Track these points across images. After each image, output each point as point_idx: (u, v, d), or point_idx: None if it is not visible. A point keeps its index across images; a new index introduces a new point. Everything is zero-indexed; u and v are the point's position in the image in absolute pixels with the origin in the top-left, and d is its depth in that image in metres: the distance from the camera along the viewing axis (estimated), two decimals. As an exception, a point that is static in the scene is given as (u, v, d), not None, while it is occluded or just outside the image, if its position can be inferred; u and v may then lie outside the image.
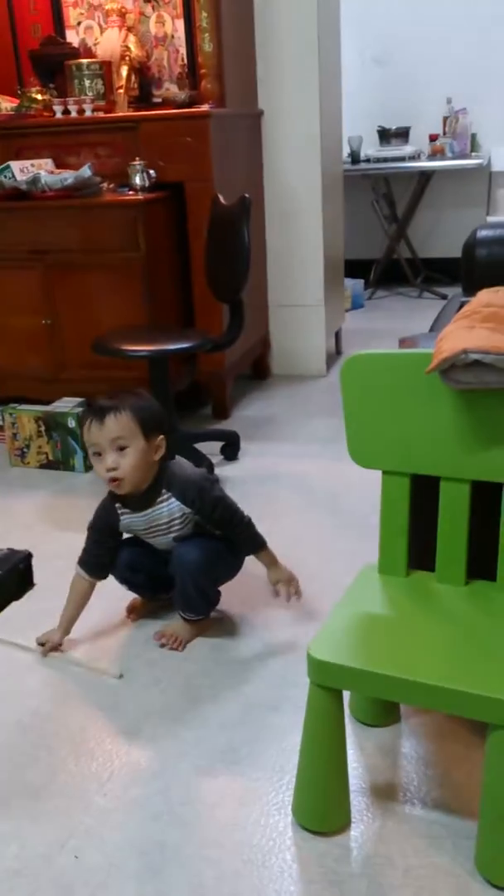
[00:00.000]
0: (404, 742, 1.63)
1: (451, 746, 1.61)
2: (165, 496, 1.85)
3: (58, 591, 2.02)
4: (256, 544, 1.93)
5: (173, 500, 1.85)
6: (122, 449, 1.76)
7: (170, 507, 1.85)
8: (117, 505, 1.88)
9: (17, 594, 0.87)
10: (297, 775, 1.45)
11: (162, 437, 1.82)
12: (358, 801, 1.49)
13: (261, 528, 2.49)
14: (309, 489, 2.76)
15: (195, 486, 1.85)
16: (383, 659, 1.32)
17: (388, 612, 1.47)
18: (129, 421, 1.76)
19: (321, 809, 1.43)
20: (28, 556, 0.86)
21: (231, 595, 2.14)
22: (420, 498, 1.50)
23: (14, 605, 2.07)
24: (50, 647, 1.92)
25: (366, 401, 1.46)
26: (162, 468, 1.85)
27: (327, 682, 1.34)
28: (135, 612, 2.08)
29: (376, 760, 1.58)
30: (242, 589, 2.18)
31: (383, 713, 1.66)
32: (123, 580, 2.01)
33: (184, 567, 1.87)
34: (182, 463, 1.92)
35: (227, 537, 1.92)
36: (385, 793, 1.51)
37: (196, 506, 1.85)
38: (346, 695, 1.52)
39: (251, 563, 2.31)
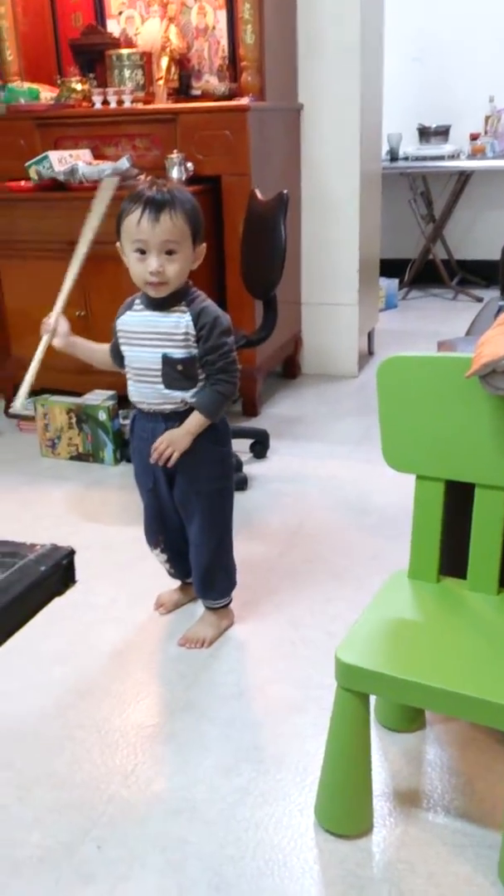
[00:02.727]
0: (429, 749, 1.62)
1: (475, 756, 1.60)
2: (182, 309, 1.74)
3: (85, 584, 2.02)
4: (207, 408, 1.78)
5: (188, 315, 1.73)
6: (170, 253, 1.68)
7: (179, 321, 1.74)
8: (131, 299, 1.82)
9: (60, 590, 0.88)
10: (320, 777, 1.44)
11: (204, 245, 1.74)
12: (381, 806, 1.48)
13: (288, 526, 2.50)
14: (337, 490, 2.75)
15: (213, 316, 1.74)
16: (411, 665, 1.31)
17: (418, 618, 1.46)
18: (183, 223, 1.66)
19: (344, 812, 1.43)
20: (71, 553, 0.87)
21: (258, 595, 2.14)
22: (454, 503, 1.48)
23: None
24: (50, 326, 1.86)
25: (402, 404, 1.45)
26: (187, 283, 1.77)
27: (355, 686, 1.33)
28: (164, 606, 2.08)
29: (400, 766, 1.58)
30: (269, 590, 2.18)
31: (409, 719, 1.65)
32: (153, 540, 2.01)
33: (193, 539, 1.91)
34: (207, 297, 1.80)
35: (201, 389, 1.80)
36: (408, 799, 1.50)
37: (204, 332, 1.73)
38: (373, 699, 1.52)
39: (276, 561, 2.32)
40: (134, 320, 1.80)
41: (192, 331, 1.74)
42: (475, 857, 1.38)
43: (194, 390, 1.79)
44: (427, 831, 1.43)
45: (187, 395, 1.79)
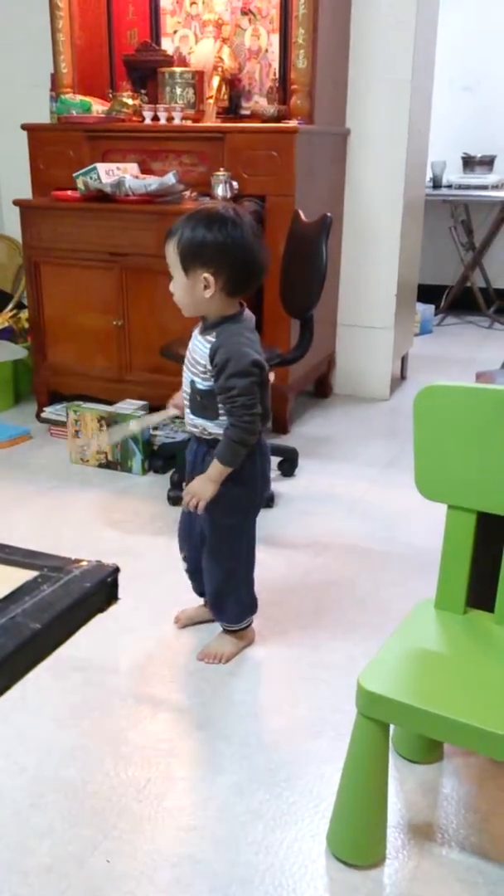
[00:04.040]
0: (446, 782, 1.60)
1: (493, 792, 1.57)
2: (211, 339, 1.74)
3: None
4: (221, 455, 1.75)
5: (209, 347, 1.73)
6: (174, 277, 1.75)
7: (203, 349, 1.74)
8: None
9: (103, 607, 0.89)
10: (335, 804, 1.43)
11: (207, 275, 1.68)
12: (394, 838, 1.46)
13: (313, 546, 2.49)
14: (363, 512, 2.74)
15: (226, 357, 1.70)
16: (434, 697, 1.29)
17: (443, 649, 1.44)
18: (171, 251, 1.72)
19: (357, 842, 1.41)
20: (116, 570, 0.87)
21: (280, 615, 2.13)
22: (484, 535, 1.47)
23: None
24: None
25: (438, 433, 1.44)
26: (233, 316, 1.75)
27: (375, 715, 1.31)
28: (179, 622, 2.08)
29: (416, 798, 1.55)
30: (291, 610, 2.17)
31: (427, 750, 1.63)
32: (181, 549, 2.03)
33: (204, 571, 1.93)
34: (247, 334, 1.75)
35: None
36: (423, 832, 1.48)
37: (214, 371, 1.72)
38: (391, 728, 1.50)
39: (299, 581, 2.30)
40: (190, 341, 1.83)
41: (209, 364, 1.74)
42: (489, 895, 1.35)
43: (216, 422, 1.79)
44: (441, 866, 1.41)
45: (209, 425, 1.80)
